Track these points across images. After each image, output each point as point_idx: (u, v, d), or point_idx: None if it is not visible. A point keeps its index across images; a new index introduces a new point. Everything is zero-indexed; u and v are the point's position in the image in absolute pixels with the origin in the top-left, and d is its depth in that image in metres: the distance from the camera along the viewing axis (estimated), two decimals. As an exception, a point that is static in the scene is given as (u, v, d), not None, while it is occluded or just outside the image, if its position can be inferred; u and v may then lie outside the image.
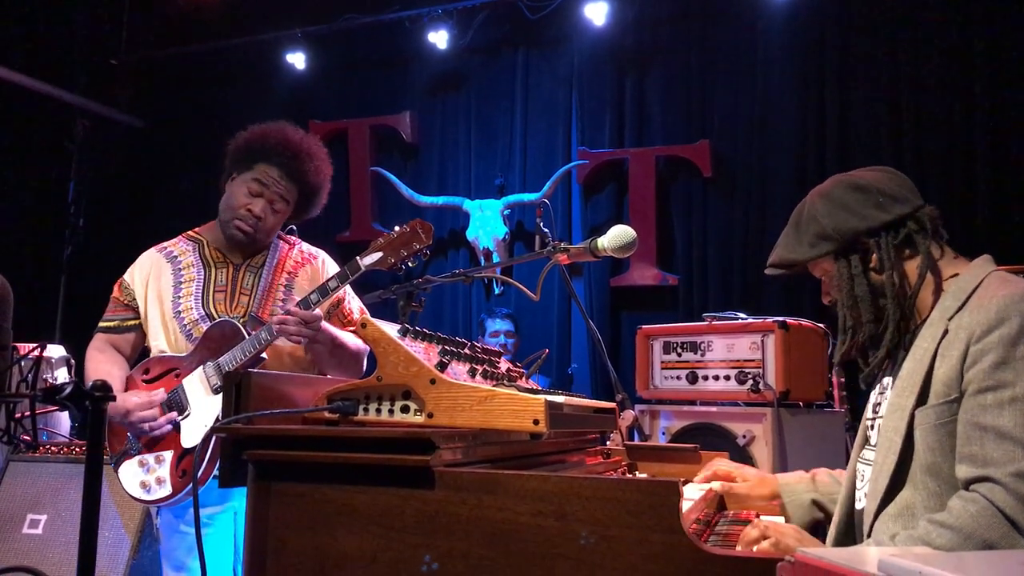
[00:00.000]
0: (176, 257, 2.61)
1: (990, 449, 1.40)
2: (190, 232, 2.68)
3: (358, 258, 2.35)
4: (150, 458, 2.40)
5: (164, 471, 2.37)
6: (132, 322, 2.59)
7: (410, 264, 2.35)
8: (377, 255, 2.33)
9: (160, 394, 2.42)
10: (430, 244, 2.32)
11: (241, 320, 2.44)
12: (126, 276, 2.63)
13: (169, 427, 2.39)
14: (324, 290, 2.38)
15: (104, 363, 2.54)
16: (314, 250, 2.75)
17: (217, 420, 2.31)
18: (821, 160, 5.11)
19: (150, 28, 6.84)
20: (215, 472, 2.29)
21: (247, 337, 2.38)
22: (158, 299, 2.55)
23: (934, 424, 1.50)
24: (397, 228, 2.33)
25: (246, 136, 2.60)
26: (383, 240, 2.34)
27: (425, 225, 2.32)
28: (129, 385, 2.51)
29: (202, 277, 2.56)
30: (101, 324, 2.61)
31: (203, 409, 2.38)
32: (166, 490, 2.36)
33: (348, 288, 2.65)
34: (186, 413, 2.39)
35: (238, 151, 2.59)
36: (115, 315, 2.61)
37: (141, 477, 2.40)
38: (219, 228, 2.60)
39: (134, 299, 2.59)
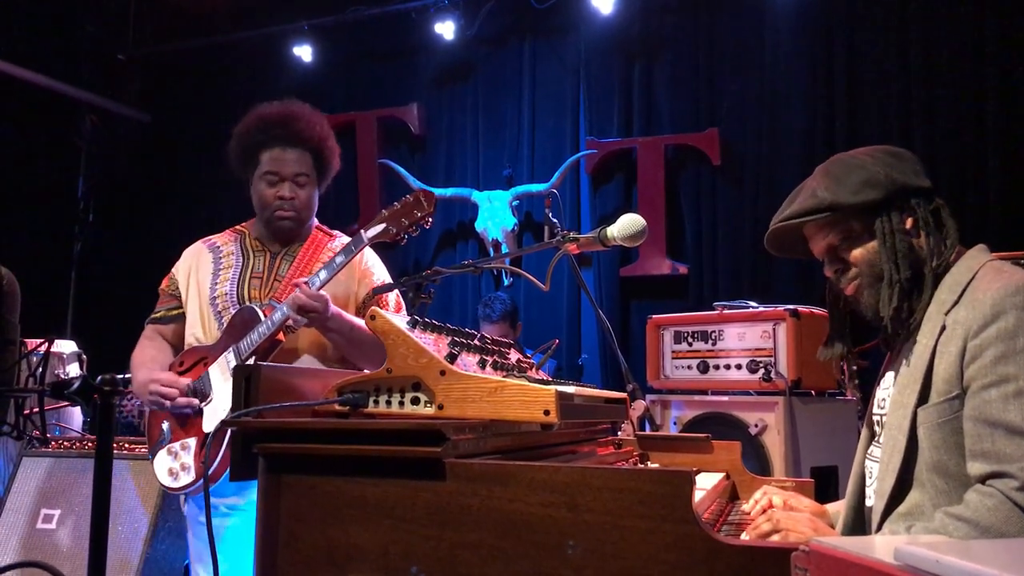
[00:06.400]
0: (218, 247, 2.67)
1: (1001, 445, 1.38)
2: (237, 226, 2.73)
3: (362, 231, 2.39)
4: (177, 446, 2.44)
5: (189, 458, 2.41)
6: (176, 311, 2.64)
7: (413, 233, 2.38)
8: (380, 227, 2.37)
9: (186, 380, 2.45)
10: (432, 212, 2.35)
11: (262, 305, 2.46)
12: (174, 268, 2.70)
13: (189, 410, 2.41)
14: (331, 267, 2.41)
15: (148, 348, 2.61)
16: None
17: None
18: (830, 147, 5.05)
19: (157, 23, 6.85)
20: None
21: (262, 320, 2.40)
22: (197, 287, 2.60)
23: (937, 423, 1.48)
24: (400, 200, 2.38)
25: (236, 140, 2.63)
26: (386, 212, 2.38)
27: (427, 194, 2.36)
28: None
29: (240, 265, 2.60)
30: (151, 316, 2.68)
31: (223, 394, 2.39)
32: (190, 476, 2.39)
33: (387, 277, 2.66)
34: (208, 399, 2.42)
35: (239, 155, 2.62)
36: (161, 306, 2.68)
37: (170, 465, 2.44)
38: (262, 224, 2.63)
39: (178, 289, 2.64)
